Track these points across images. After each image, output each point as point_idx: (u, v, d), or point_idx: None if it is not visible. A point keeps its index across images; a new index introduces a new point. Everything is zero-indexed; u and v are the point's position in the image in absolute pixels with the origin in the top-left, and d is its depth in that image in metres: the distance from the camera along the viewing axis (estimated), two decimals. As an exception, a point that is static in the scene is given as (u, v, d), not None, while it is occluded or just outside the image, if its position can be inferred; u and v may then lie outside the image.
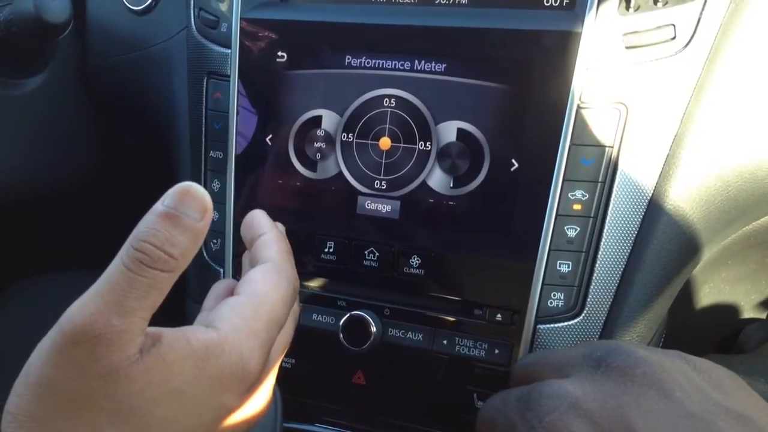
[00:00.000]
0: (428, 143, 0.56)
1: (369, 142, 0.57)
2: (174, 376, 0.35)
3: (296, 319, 0.50)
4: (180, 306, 0.71)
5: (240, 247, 0.62)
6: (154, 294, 0.35)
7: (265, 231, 0.50)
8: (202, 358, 0.37)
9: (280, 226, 0.53)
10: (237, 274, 0.62)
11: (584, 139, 0.52)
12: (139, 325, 0.34)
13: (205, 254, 0.65)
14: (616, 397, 0.36)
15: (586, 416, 0.35)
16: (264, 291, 0.43)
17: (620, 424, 0.34)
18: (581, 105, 0.52)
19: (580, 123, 0.52)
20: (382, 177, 0.57)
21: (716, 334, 0.80)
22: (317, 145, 0.59)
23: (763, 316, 0.78)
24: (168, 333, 0.36)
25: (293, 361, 0.62)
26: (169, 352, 0.35)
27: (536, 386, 0.39)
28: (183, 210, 0.36)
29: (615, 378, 0.37)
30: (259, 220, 0.52)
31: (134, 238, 0.35)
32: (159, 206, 0.36)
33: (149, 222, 0.36)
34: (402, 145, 0.56)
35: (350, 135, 0.58)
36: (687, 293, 0.60)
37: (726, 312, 0.76)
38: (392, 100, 0.56)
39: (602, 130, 0.52)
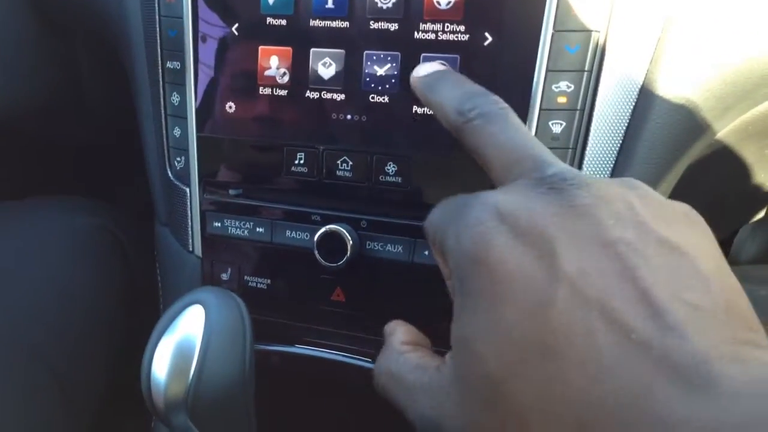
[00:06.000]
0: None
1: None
2: None
3: None
4: (149, 229, 0.68)
5: (205, 165, 0.58)
6: None
7: None
8: None
9: None
10: (203, 194, 0.59)
11: (568, 25, 0.47)
12: None
13: (169, 173, 0.61)
14: (545, 217, 0.33)
15: (511, 227, 0.32)
16: None
17: (543, 242, 0.31)
18: (564, -14, 0.47)
19: (564, 6, 0.47)
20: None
21: (714, 234, 0.77)
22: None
23: (761, 214, 0.76)
24: None
25: (268, 281, 0.59)
26: None
27: (468, 198, 0.36)
28: None
29: (551, 198, 0.34)
30: None
31: None
32: None
33: None
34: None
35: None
36: (681, 190, 0.57)
37: (722, 210, 0.73)
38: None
39: (588, 13, 0.47)
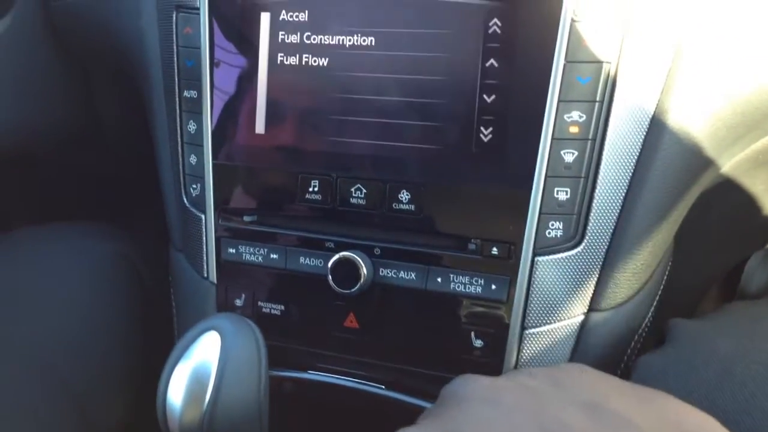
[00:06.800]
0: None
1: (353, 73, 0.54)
2: None
3: None
4: (163, 254, 0.69)
5: (221, 192, 0.59)
6: None
7: None
8: None
9: None
10: (218, 221, 0.60)
11: (580, 56, 0.48)
12: None
13: (185, 200, 0.62)
14: (451, 419, 0.35)
15: None
16: None
17: None
18: (575, 18, 0.48)
19: (575, 38, 0.48)
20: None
21: (724, 263, 0.77)
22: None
23: (772, 242, 0.76)
24: None
25: (282, 307, 0.59)
26: None
27: None
28: None
29: (451, 405, 0.37)
30: None
31: None
32: None
33: None
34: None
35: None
36: (692, 219, 0.57)
37: (733, 238, 0.73)
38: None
39: (599, 45, 0.48)
